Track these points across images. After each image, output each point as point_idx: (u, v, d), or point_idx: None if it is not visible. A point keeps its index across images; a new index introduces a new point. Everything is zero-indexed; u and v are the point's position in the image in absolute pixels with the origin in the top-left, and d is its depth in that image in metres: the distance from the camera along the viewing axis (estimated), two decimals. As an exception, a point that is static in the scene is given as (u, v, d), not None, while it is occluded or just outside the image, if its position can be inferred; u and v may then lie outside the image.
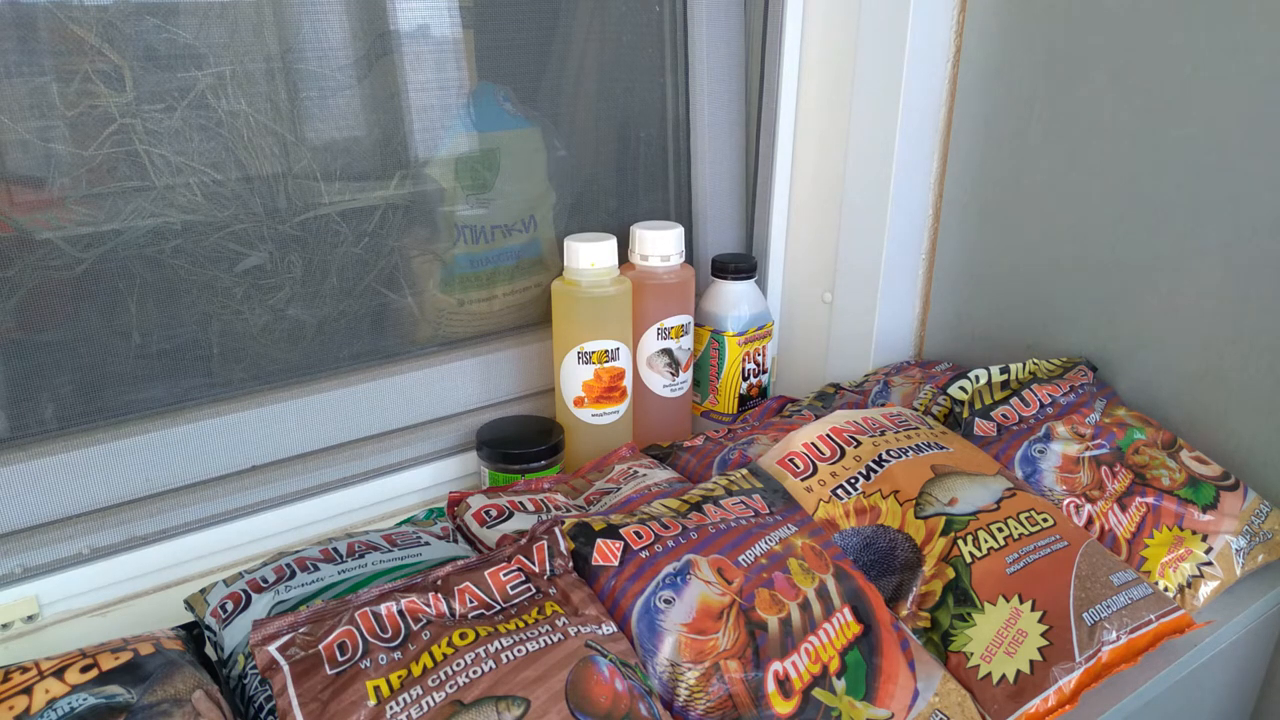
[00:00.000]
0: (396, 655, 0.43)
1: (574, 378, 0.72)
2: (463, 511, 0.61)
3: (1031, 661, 0.50)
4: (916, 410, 0.71)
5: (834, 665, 0.48)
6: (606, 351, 0.71)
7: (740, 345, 0.81)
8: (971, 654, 0.51)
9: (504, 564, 0.50)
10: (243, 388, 0.68)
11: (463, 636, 0.44)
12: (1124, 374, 0.72)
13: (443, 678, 0.42)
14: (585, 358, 0.71)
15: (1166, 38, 0.64)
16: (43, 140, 0.56)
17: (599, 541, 0.52)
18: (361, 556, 0.53)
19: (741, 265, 0.80)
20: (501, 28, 0.73)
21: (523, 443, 0.70)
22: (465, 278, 0.77)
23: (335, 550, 0.54)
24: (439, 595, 0.47)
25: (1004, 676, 0.50)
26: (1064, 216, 0.73)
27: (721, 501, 0.57)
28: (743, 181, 0.88)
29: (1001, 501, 0.58)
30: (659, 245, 0.74)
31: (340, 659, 0.43)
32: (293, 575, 0.51)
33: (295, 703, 0.41)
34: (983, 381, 0.70)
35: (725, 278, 0.81)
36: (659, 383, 0.78)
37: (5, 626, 0.60)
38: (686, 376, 0.79)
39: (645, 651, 0.47)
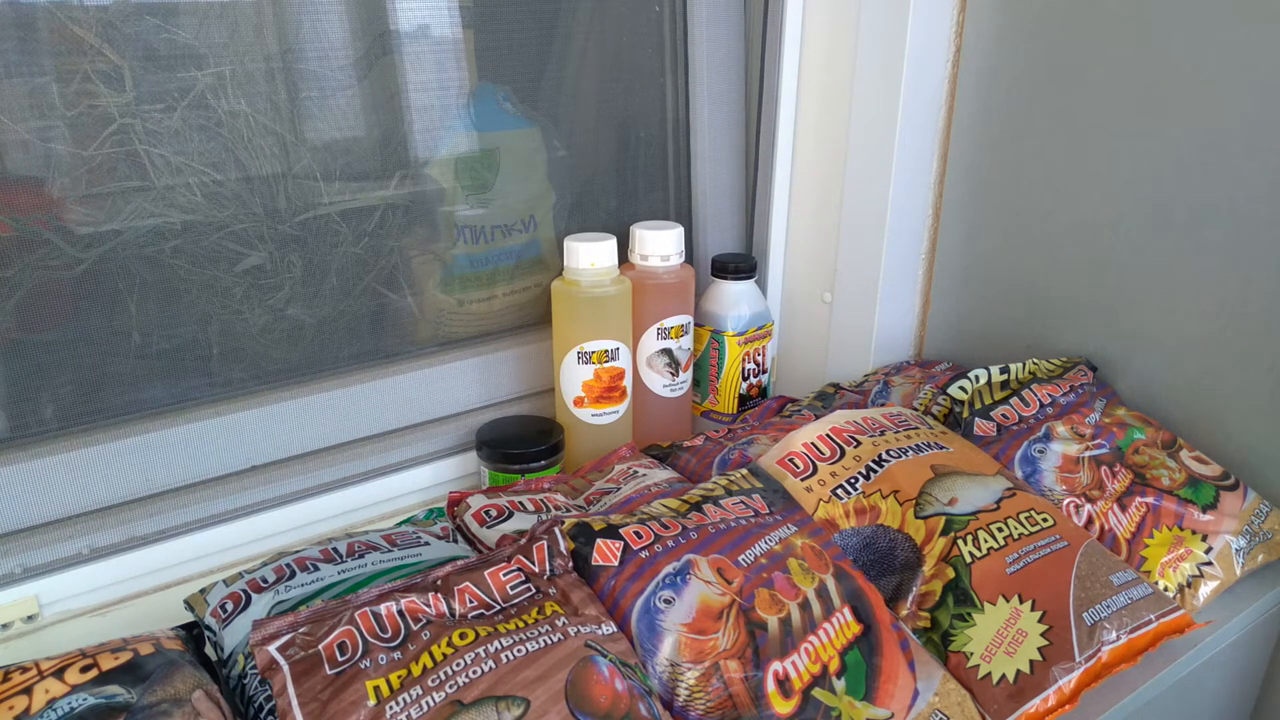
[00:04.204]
0: (396, 655, 0.43)
1: (574, 378, 0.72)
2: (463, 511, 0.61)
3: (1031, 661, 0.50)
4: (916, 410, 0.71)
5: (834, 665, 0.48)
6: (606, 351, 0.71)
7: (740, 345, 0.81)
8: (971, 654, 0.51)
9: (504, 564, 0.50)
10: (243, 388, 0.68)
11: (462, 636, 0.44)
12: (1124, 374, 0.72)
13: (442, 678, 0.42)
14: (585, 358, 0.71)
15: (1166, 38, 0.64)
16: (43, 140, 0.56)
17: (599, 541, 0.52)
18: (361, 556, 0.53)
19: (741, 265, 0.80)
20: (501, 28, 0.73)
21: (523, 443, 0.70)
22: (465, 278, 0.77)
23: (335, 550, 0.54)
24: (439, 595, 0.47)
25: (1004, 676, 0.50)
26: (1063, 217, 0.73)
27: (721, 501, 0.57)
28: (743, 181, 0.88)
29: (1001, 501, 0.58)
30: (659, 245, 0.74)
31: (340, 659, 0.43)
32: (293, 575, 0.51)
33: (295, 703, 0.41)
34: (983, 381, 0.70)
35: (725, 278, 0.81)
36: (659, 383, 0.78)
37: (5, 626, 0.60)
38: (686, 376, 0.79)
39: (645, 651, 0.47)
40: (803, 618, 0.50)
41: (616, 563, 0.51)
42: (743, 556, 0.52)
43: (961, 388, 0.70)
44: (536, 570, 0.50)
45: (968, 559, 0.54)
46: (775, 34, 0.81)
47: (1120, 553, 0.59)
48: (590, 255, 0.69)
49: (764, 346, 0.83)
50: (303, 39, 0.63)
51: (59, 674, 0.41)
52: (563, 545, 0.51)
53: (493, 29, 0.73)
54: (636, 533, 0.52)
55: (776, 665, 0.47)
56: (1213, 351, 0.67)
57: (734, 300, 0.81)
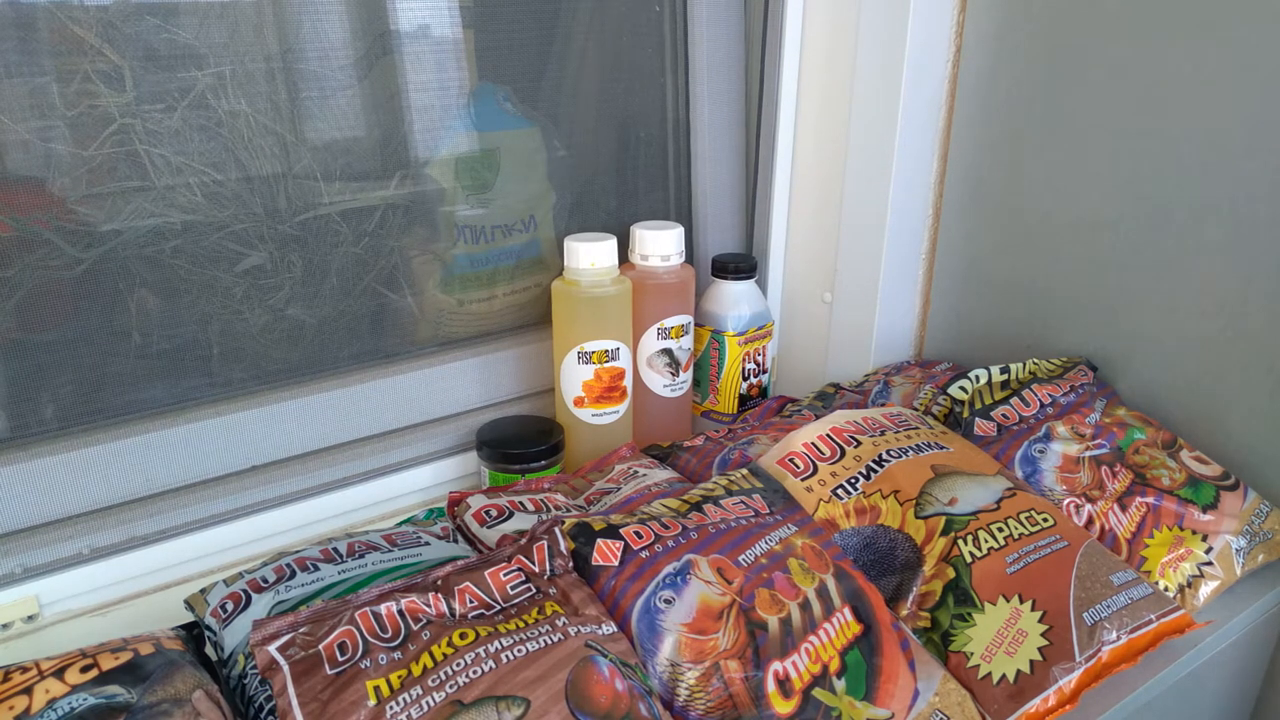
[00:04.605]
0: (396, 655, 0.43)
1: (574, 378, 0.72)
2: (463, 511, 0.61)
3: (1031, 661, 0.50)
4: (916, 410, 0.71)
5: (834, 665, 0.48)
6: (606, 351, 0.71)
7: (740, 345, 0.81)
8: (971, 654, 0.51)
9: (504, 564, 0.50)
10: (243, 388, 0.68)
11: (463, 636, 0.44)
12: (1124, 374, 0.72)
13: (443, 678, 0.42)
14: (585, 358, 0.71)
15: (1166, 37, 0.64)
16: (43, 140, 0.56)
17: (599, 541, 0.52)
18: (361, 556, 0.53)
19: (741, 265, 0.80)
20: (501, 28, 0.73)
21: (523, 443, 0.70)
22: (465, 278, 0.77)
23: (335, 550, 0.54)
24: (439, 595, 0.47)
25: (1004, 676, 0.50)
26: (1064, 216, 0.73)
27: (721, 501, 0.57)
28: (743, 181, 0.88)
29: (1001, 501, 0.58)
30: (659, 245, 0.74)
31: (340, 659, 0.43)
32: (293, 575, 0.51)
33: (295, 703, 0.41)
34: (983, 381, 0.70)
35: (725, 278, 0.81)
36: (659, 383, 0.78)
37: (5, 626, 0.60)
38: (686, 376, 0.79)
39: (645, 651, 0.47)
40: (803, 618, 0.50)
41: (616, 563, 0.51)
42: (743, 556, 0.52)
43: (962, 388, 0.70)
44: (537, 570, 0.50)
45: (968, 559, 0.54)
46: (775, 34, 0.81)
47: (1120, 553, 0.59)
48: (590, 255, 0.69)
49: (764, 346, 0.83)
50: (303, 39, 0.63)
51: (59, 674, 0.41)
52: (563, 545, 0.51)
53: (493, 29, 0.73)
54: (636, 533, 0.52)
55: (777, 665, 0.47)
56: (1213, 351, 0.67)
57: (734, 300, 0.81)
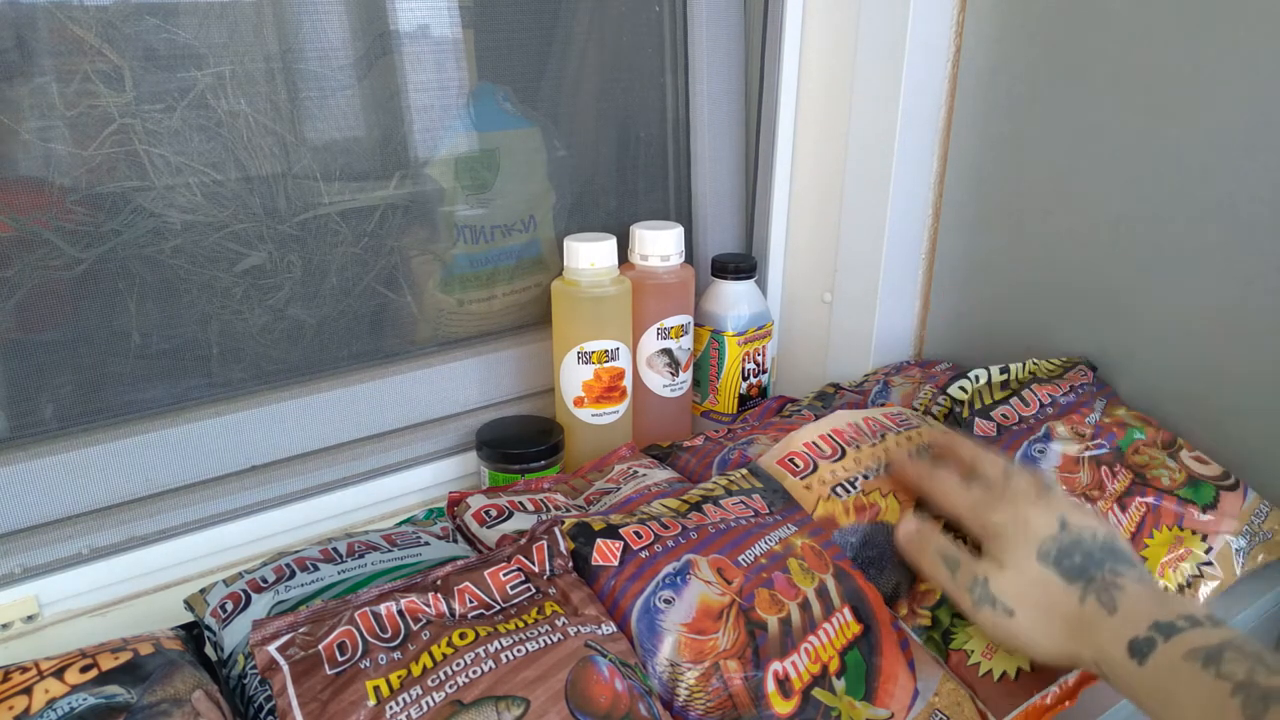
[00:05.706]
0: (396, 655, 0.43)
1: (574, 378, 0.72)
2: (463, 511, 0.61)
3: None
4: (916, 410, 0.71)
5: (834, 665, 0.48)
6: (606, 351, 0.71)
7: (740, 345, 0.81)
8: (972, 651, 0.51)
9: (504, 564, 0.50)
10: (243, 388, 0.68)
11: (462, 636, 0.44)
12: (1124, 374, 0.72)
13: (442, 678, 0.42)
14: (585, 358, 0.71)
15: (1167, 37, 0.64)
16: (43, 140, 0.56)
17: (599, 541, 0.52)
18: (361, 556, 0.53)
19: (741, 265, 0.80)
20: (501, 28, 0.73)
21: (523, 443, 0.70)
22: (465, 278, 0.77)
23: (335, 550, 0.54)
24: (439, 595, 0.47)
25: (1005, 673, 0.50)
26: (1064, 216, 0.73)
27: (721, 501, 0.57)
28: (743, 181, 0.88)
29: (1001, 501, 0.58)
30: (659, 245, 0.74)
31: (340, 659, 0.43)
32: (292, 575, 0.51)
33: (295, 703, 0.41)
34: (983, 381, 0.70)
35: (725, 278, 0.81)
36: (659, 383, 0.78)
37: (5, 626, 0.60)
38: (686, 376, 0.79)
39: (645, 651, 0.47)
40: (803, 618, 0.50)
41: (616, 563, 0.51)
42: (743, 556, 0.52)
43: (961, 388, 0.70)
44: (536, 570, 0.50)
45: (968, 559, 0.54)
46: (775, 34, 0.81)
47: (1120, 552, 0.59)
48: (590, 255, 0.69)
49: (764, 346, 0.83)
50: (303, 39, 0.63)
51: (59, 674, 0.41)
52: (563, 545, 0.51)
53: (493, 29, 0.73)
54: (636, 533, 0.52)
55: (776, 665, 0.47)
56: (1213, 351, 0.67)
57: (734, 300, 0.81)
